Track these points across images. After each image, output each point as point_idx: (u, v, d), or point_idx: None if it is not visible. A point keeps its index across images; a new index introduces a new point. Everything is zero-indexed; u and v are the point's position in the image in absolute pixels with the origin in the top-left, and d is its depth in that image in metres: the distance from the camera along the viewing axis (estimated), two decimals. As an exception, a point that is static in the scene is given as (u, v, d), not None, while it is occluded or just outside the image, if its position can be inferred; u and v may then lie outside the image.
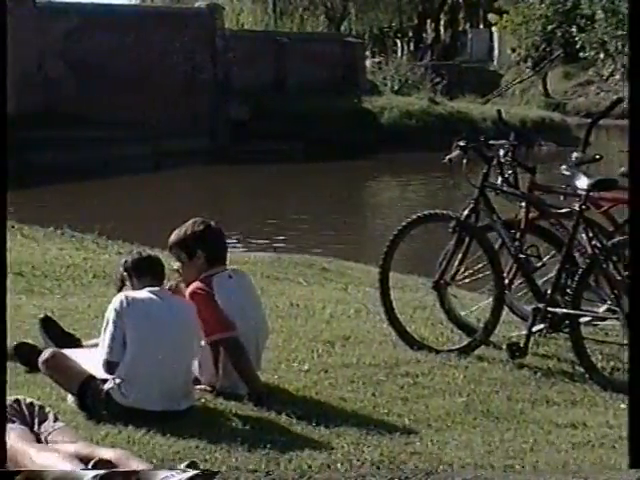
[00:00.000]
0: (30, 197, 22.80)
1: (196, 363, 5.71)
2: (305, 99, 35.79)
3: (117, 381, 5.37)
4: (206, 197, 26.72)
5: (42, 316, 6.56)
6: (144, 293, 5.48)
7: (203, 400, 5.67)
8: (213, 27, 35.97)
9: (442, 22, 58.21)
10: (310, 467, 4.80)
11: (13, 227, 13.94)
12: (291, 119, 34.17)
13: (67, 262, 11.27)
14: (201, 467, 4.45)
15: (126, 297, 5.43)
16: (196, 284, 5.75)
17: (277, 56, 38.52)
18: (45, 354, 5.53)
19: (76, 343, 6.23)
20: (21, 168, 28.31)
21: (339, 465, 4.83)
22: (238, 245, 17.48)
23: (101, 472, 4.31)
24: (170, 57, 34.46)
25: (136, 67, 33.34)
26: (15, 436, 4.62)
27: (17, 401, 4.90)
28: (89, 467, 4.36)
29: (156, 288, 5.52)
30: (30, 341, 6.45)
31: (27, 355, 6.07)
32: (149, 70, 33.66)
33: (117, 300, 5.43)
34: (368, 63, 44.34)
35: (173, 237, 5.86)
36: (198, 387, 5.73)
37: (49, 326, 6.43)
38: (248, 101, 35.43)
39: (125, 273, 5.64)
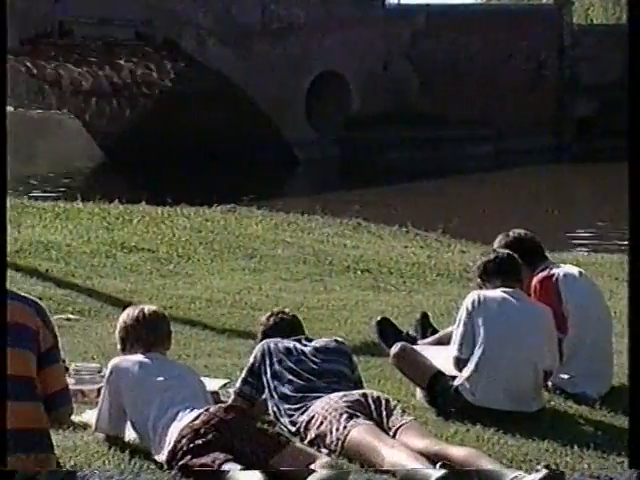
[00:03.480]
0: (375, 195, 23.32)
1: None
2: (657, 95, 34.45)
3: (466, 378, 5.34)
4: (549, 196, 26.30)
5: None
6: (497, 293, 5.43)
7: (553, 403, 5.54)
8: (560, 23, 35.39)
9: None
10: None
11: (359, 224, 14.27)
12: (641, 116, 32.99)
13: (411, 260, 11.41)
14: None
15: (478, 296, 5.40)
16: (542, 277, 5.72)
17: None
18: (395, 348, 5.59)
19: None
20: (366, 167, 29.08)
21: None
22: (585, 246, 17.07)
23: (446, 471, 4.28)
24: (514, 55, 34.23)
25: (480, 66, 33.37)
26: (363, 431, 4.66)
27: (364, 395, 4.95)
28: (436, 466, 4.34)
29: (510, 289, 5.45)
30: (373, 336, 6.56)
31: (387, 331, 6.19)
32: (492, 69, 33.59)
33: (470, 299, 5.41)
34: None
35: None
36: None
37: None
38: (596, 98, 34.58)
39: (477, 274, 5.63)
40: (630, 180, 4.01)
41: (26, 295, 4.16)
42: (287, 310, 5.64)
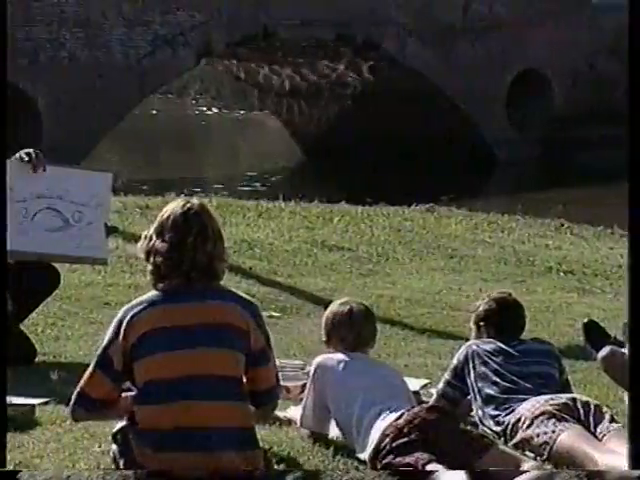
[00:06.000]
0: (579, 195, 22.86)
1: None
2: None
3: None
4: None
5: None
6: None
7: None
8: None
9: None
10: None
11: (562, 225, 13.97)
12: None
13: (618, 262, 11.10)
14: None
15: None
16: None
17: None
18: (604, 351, 5.43)
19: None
20: (569, 167, 28.52)
21: None
22: None
23: None
24: None
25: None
26: (573, 435, 4.56)
27: (573, 399, 4.85)
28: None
29: None
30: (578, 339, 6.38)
31: (594, 335, 6.03)
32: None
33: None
34: None
35: None
36: None
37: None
38: None
39: None
40: (630, 179, 3.87)
41: (243, 295, 4.20)
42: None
